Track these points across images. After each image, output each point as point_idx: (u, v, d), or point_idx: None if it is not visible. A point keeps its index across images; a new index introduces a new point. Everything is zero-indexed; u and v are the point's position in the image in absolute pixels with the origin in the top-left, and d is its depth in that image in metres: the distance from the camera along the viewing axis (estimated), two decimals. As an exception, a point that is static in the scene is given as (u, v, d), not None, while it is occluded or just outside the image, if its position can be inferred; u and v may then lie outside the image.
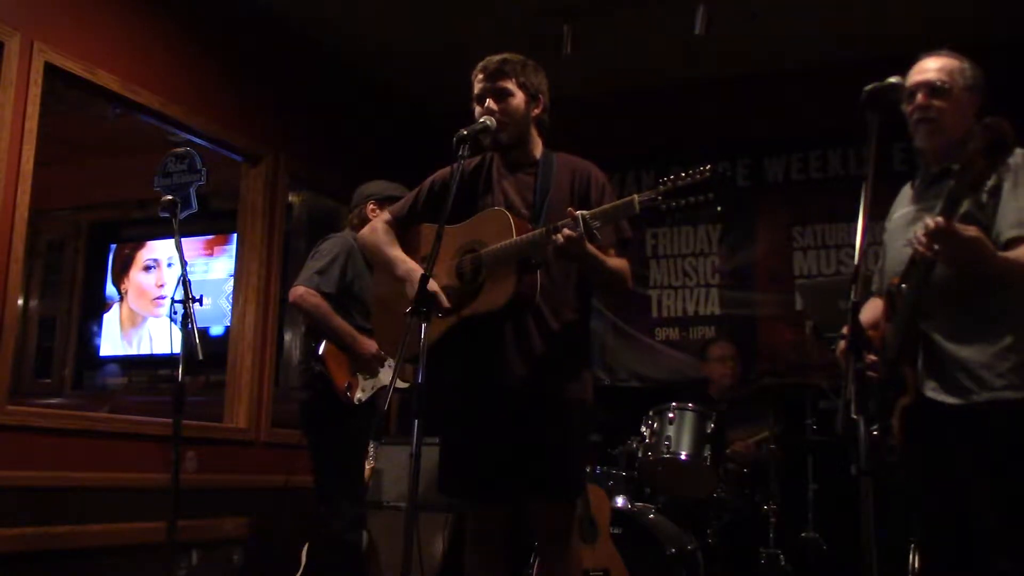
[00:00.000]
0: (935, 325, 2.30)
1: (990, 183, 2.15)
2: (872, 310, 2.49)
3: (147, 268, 6.83)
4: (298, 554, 4.02)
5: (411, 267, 2.58)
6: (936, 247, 2.12)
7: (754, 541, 4.11)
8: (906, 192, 2.55)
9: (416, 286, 2.29)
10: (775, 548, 4.04)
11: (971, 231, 2.12)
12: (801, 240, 5.35)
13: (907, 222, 2.44)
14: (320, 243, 3.84)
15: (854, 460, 1.87)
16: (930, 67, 2.39)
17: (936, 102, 2.35)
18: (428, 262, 2.28)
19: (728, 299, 5.46)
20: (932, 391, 2.29)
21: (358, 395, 3.63)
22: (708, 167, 2.22)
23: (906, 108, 2.41)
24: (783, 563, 4.02)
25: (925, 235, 2.14)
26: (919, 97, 2.37)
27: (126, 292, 6.88)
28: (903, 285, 2.29)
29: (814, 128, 5.30)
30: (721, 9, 4.68)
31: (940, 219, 2.09)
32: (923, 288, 2.22)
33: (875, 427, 2.34)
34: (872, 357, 2.32)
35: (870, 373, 2.33)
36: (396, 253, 2.66)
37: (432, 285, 2.32)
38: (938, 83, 2.35)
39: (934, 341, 2.30)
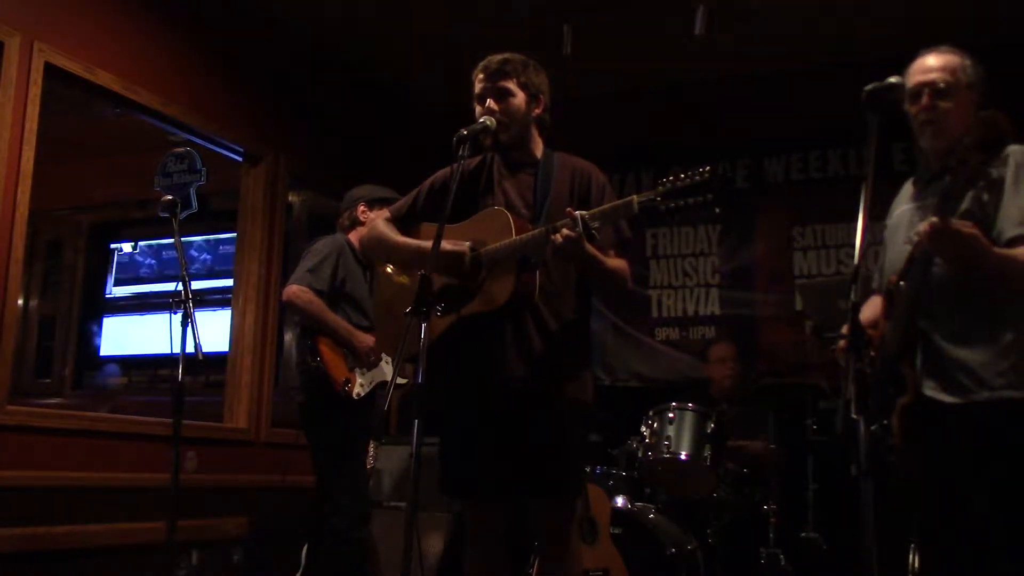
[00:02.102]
0: (934, 324, 2.29)
1: (992, 176, 2.13)
2: (872, 308, 2.48)
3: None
4: (298, 554, 4.02)
5: (421, 246, 2.58)
6: (933, 245, 2.12)
7: (754, 541, 4.11)
8: (907, 189, 2.54)
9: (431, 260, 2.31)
10: (775, 548, 4.04)
11: (967, 228, 2.11)
12: (801, 240, 5.35)
13: (907, 219, 2.43)
14: (311, 244, 3.87)
15: (854, 460, 1.86)
16: (933, 66, 2.37)
17: (941, 103, 2.34)
18: (428, 262, 2.28)
19: (728, 299, 5.46)
20: (931, 390, 2.28)
21: (356, 390, 3.64)
22: (707, 168, 2.22)
23: (910, 108, 2.40)
24: (783, 563, 4.02)
25: (923, 234, 2.13)
26: (924, 99, 2.35)
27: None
28: (902, 283, 2.28)
29: (814, 128, 5.30)
30: (721, 9, 4.68)
31: (935, 219, 2.09)
32: (922, 286, 2.22)
33: (875, 426, 2.34)
34: (872, 355, 2.32)
35: (868, 371, 2.32)
36: (402, 239, 2.67)
37: (446, 243, 2.36)
38: (942, 84, 2.34)
39: (933, 340, 2.29)
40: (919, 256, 2.20)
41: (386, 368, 3.77)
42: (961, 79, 2.36)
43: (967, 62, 2.39)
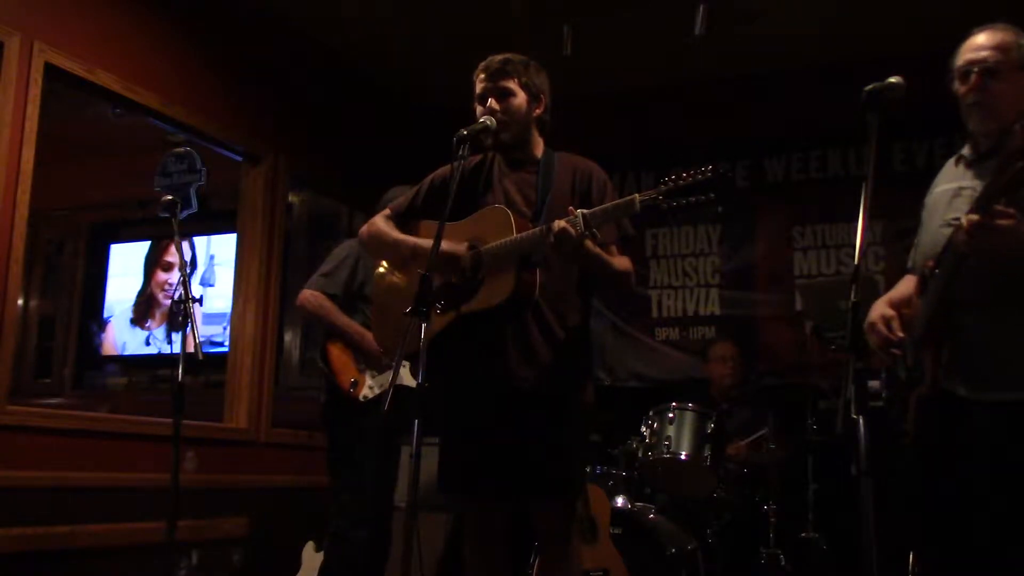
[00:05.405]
0: (966, 315, 2.19)
1: None
2: (906, 286, 2.42)
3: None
4: (298, 554, 4.02)
5: (418, 243, 2.58)
6: (973, 243, 2.02)
7: (754, 541, 4.11)
8: (949, 167, 2.43)
9: (426, 260, 2.30)
10: (775, 548, 4.04)
11: (1007, 221, 1.99)
12: (801, 240, 5.35)
13: (948, 199, 2.33)
14: (333, 248, 3.91)
15: (854, 460, 1.85)
16: (983, 44, 2.26)
17: (992, 84, 2.22)
18: (428, 261, 2.28)
19: (728, 299, 5.45)
20: (952, 383, 2.20)
21: (364, 392, 3.61)
22: (709, 167, 2.22)
23: (958, 88, 2.29)
24: (783, 563, 4.02)
25: (963, 232, 2.03)
26: (973, 78, 2.24)
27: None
28: (937, 270, 2.21)
29: (814, 128, 5.29)
30: (721, 9, 4.68)
31: (975, 217, 2.00)
32: (956, 276, 2.13)
33: (891, 408, 2.31)
34: (900, 334, 2.27)
35: (894, 351, 2.28)
36: (400, 236, 2.67)
37: (445, 245, 2.36)
38: (993, 64, 2.22)
39: (961, 333, 2.19)
40: (955, 248, 2.11)
41: (401, 371, 3.72)
42: (1013, 58, 2.23)
43: (1022, 40, 2.26)
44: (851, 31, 4.90)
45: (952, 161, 2.43)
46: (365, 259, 3.71)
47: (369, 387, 3.63)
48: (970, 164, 2.34)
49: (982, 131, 2.28)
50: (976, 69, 2.24)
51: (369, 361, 3.65)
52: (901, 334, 2.29)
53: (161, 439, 3.89)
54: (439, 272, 2.46)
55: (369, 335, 3.62)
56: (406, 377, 3.65)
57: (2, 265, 3.51)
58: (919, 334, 2.25)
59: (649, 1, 4.73)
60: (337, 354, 3.65)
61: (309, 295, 3.69)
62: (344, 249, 3.80)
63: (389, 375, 3.65)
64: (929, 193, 2.47)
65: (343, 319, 3.66)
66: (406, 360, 2.35)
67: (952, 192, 2.33)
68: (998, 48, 2.24)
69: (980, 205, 2.02)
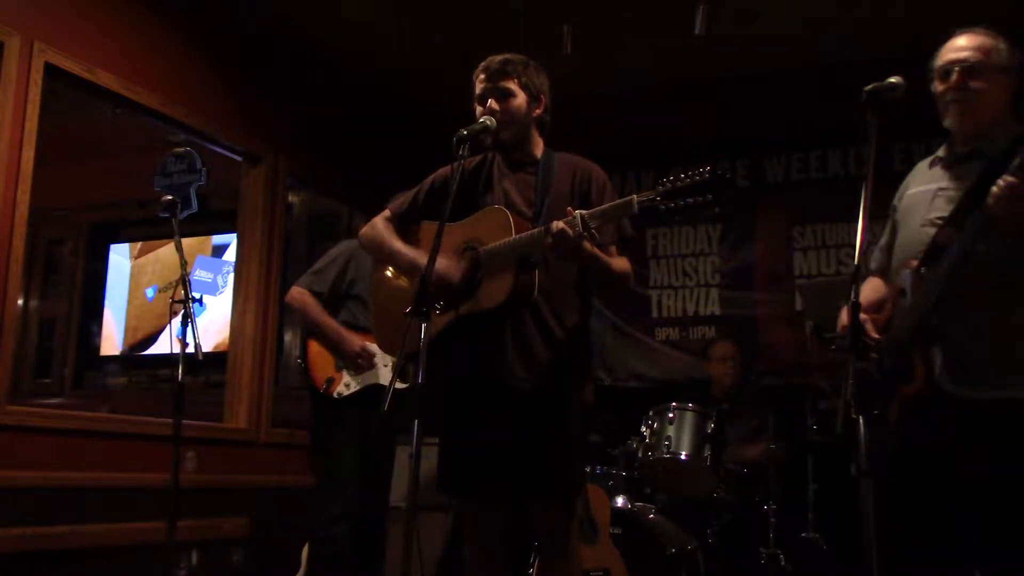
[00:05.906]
0: (965, 313, 2.17)
1: None
2: (872, 289, 2.41)
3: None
4: (298, 554, 4.03)
5: (416, 256, 2.59)
6: (1007, 207, 2.01)
7: (754, 541, 4.11)
8: (922, 171, 2.45)
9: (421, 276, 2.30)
10: (775, 548, 4.04)
11: None
12: (801, 240, 5.35)
13: (928, 199, 2.33)
14: (331, 248, 3.99)
15: (854, 460, 1.85)
16: (964, 45, 2.31)
17: (972, 83, 2.26)
18: (427, 261, 2.28)
19: (728, 299, 5.45)
20: (947, 382, 2.19)
21: (339, 389, 3.66)
22: (707, 168, 2.22)
23: (937, 88, 2.33)
24: (783, 563, 4.02)
25: (998, 192, 2.02)
26: (954, 77, 2.28)
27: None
28: (923, 269, 2.20)
29: (814, 128, 5.29)
30: (721, 9, 4.68)
31: (1014, 179, 1.99)
32: (954, 275, 2.13)
33: (873, 411, 2.30)
34: (875, 336, 2.26)
35: (873, 355, 2.28)
36: (399, 245, 2.67)
37: (440, 264, 2.35)
38: (974, 62, 2.27)
39: (958, 331, 2.18)
40: (958, 243, 2.11)
41: (382, 371, 3.77)
42: (993, 60, 2.28)
43: (1002, 45, 2.31)
44: (851, 31, 4.90)
45: (925, 163, 2.45)
46: (358, 259, 3.76)
47: (344, 384, 3.67)
48: (947, 166, 2.36)
49: (958, 129, 2.31)
50: (958, 68, 2.29)
51: (347, 361, 3.69)
52: (876, 335, 2.29)
53: (161, 439, 3.89)
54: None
55: (349, 335, 3.69)
56: (384, 375, 3.71)
57: (2, 265, 3.51)
58: (907, 334, 2.24)
59: (649, 1, 4.73)
60: (316, 351, 3.71)
61: (296, 292, 3.76)
62: (338, 248, 3.86)
63: (366, 374, 3.70)
64: (899, 196, 2.48)
65: (324, 317, 3.71)
66: (407, 361, 2.35)
67: (931, 193, 2.35)
68: (979, 49, 2.30)
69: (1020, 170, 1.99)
